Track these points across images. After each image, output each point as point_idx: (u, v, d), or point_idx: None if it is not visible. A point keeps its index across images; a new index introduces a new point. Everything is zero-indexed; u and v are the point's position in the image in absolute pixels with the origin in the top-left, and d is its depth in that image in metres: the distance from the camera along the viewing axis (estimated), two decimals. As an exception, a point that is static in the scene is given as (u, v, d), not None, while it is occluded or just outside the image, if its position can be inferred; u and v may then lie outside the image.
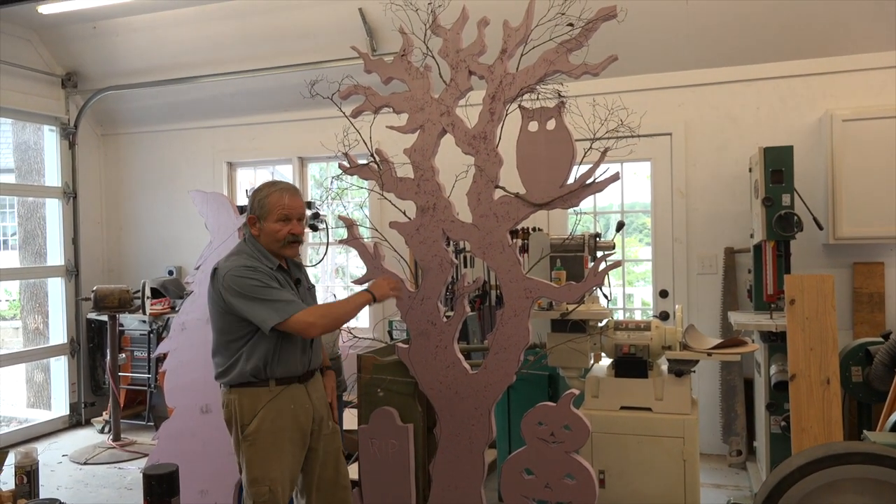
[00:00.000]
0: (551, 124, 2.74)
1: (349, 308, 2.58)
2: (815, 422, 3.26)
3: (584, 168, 2.72)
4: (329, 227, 5.27)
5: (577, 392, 2.85)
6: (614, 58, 2.57)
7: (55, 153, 6.15)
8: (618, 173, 2.69)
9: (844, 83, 4.49)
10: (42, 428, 5.83)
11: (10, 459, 2.36)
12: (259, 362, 2.52)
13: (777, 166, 3.98)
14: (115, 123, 6.54)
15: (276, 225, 2.58)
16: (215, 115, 6.09)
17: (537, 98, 2.78)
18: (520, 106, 2.80)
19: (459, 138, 2.85)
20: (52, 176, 6.16)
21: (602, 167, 2.69)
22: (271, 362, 2.53)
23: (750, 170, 4.44)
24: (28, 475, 2.31)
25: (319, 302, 2.87)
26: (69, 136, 6.17)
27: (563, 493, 2.78)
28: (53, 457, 5.14)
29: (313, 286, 2.90)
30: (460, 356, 2.93)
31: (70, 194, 6.17)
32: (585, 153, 2.79)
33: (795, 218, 3.91)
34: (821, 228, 4.17)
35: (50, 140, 6.18)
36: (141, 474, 2.39)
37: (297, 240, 2.62)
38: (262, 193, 2.64)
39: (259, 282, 2.51)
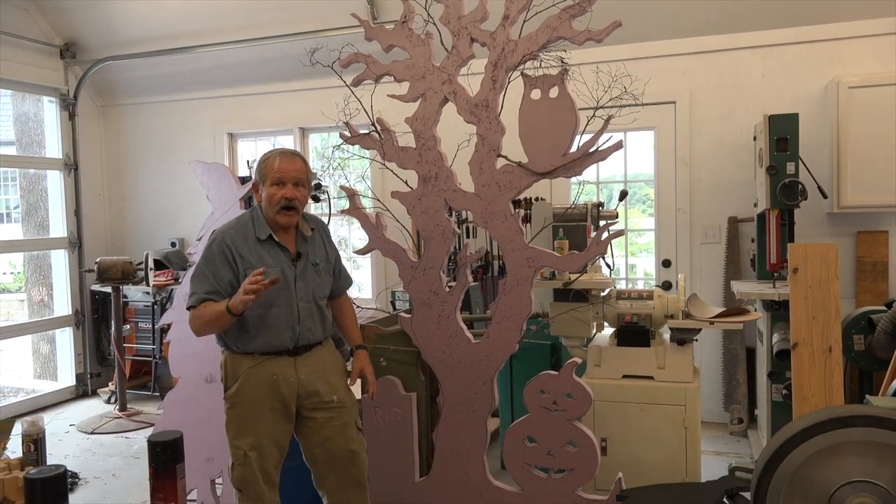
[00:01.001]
0: (554, 92, 2.72)
1: (208, 316, 2.42)
2: (816, 390, 3.27)
3: (587, 137, 2.71)
4: (331, 197, 5.26)
5: (579, 361, 2.87)
6: (618, 24, 2.54)
7: (55, 124, 6.12)
8: (621, 141, 2.67)
9: (851, 49, 4.43)
10: (49, 398, 5.88)
11: (17, 429, 2.38)
12: (233, 330, 2.49)
13: (782, 134, 3.94)
14: (114, 94, 6.49)
15: (271, 189, 2.50)
16: (215, 86, 6.04)
17: (540, 65, 2.76)
18: (522, 73, 2.77)
19: (461, 107, 2.83)
20: (53, 148, 6.14)
21: (605, 136, 2.67)
22: (244, 334, 2.50)
23: (755, 138, 4.41)
24: (35, 443, 2.34)
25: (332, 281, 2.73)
26: (69, 107, 6.13)
27: (565, 460, 2.81)
28: (61, 426, 5.20)
29: (332, 262, 2.71)
30: (463, 326, 2.94)
31: (71, 166, 6.15)
32: (588, 121, 2.77)
33: (800, 186, 3.88)
34: (825, 197, 4.14)
35: (50, 111, 6.14)
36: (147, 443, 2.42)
37: (290, 205, 2.50)
38: (261, 159, 2.59)
39: (205, 258, 2.49)
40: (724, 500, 2.75)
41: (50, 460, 3.06)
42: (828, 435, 2.37)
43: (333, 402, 2.62)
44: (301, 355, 2.57)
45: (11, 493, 2.06)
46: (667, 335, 3.43)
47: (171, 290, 5.59)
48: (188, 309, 2.50)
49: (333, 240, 2.79)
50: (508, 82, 2.79)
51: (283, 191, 2.48)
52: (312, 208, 5.48)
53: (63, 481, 1.19)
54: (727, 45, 4.67)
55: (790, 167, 3.92)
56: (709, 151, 4.78)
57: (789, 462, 2.40)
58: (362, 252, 3.08)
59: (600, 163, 2.82)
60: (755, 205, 4.39)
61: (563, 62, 2.73)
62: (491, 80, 2.78)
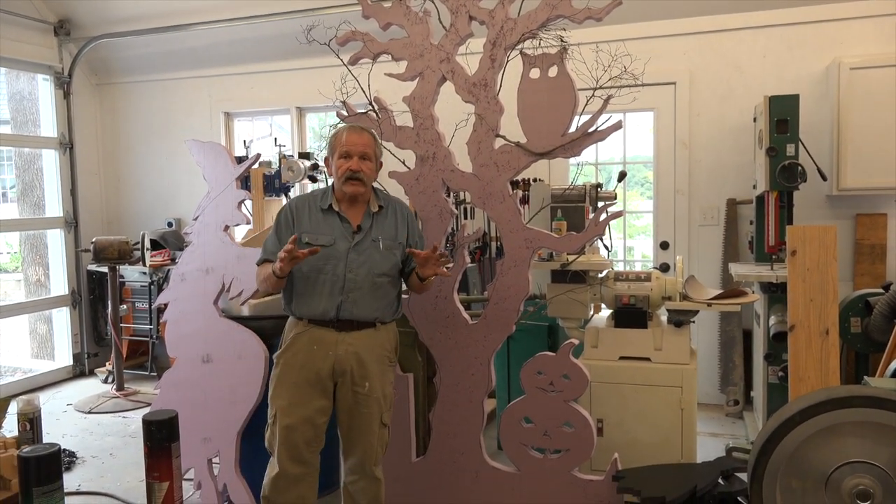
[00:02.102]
0: (553, 71, 2.69)
1: (262, 275, 2.59)
2: (812, 372, 3.28)
3: (586, 117, 2.68)
4: (328, 177, 5.23)
5: (576, 342, 2.87)
6: (618, 2, 2.51)
7: (50, 103, 6.06)
8: (620, 122, 2.65)
9: (853, 30, 4.39)
10: (46, 378, 5.88)
11: (13, 408, 2.38)
12: (289, 292, 2.61)
13: (782, 116, 3.92)
14: (109, 72, 6.43)
15: (339, 162, 2.58)
16: (212, 64, 5.98)
17: (539, 44, 2.73)
18: (521, 52, 2.74)
19: (459, 86, 2.81)
20: (48, 126, 6.08)
21: (604, 116, 2.65)
22: (295, 298, 2.59)
23: (755, 119, 4.38)
24: (31, 422, 2.33)
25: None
26: (63, 85, 6.07)
27: (562, 440, 2.82)
28: (58, 406, 5.20)
29: (402, 244, 2.65)
30: (460, 307, 2.94)
31: (66, 145, 6.10)
32: (587, 101, 2.74)
33: (799, 168, 3.87)
34: (825, 179, 4.12)
35: (44, 89, 6.08)
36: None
37: (354, 176, 2.55)
38: (331, 134, 2.66)
39: (274, 224, 2.65)
40: (720, 480, 2.76)
41: (47, 439, 3.06)
42: (826, 416, 2.37)
43: (365, 388, 2.58)
44: (347, 331, 2.56)
45: (7, 471, 2.07)
46: (664, 317, 3.42)
47: (168, 270, 5.56)
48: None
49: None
50: (507, 61, 2.76)
51: (349, 163, 2.56)
52: (309, 188, 5.45)
53: (57, 460, 1.18)
54: (728, 25, 4.63)
55: (790, 149, 3.90)
56: (708, 133, 4.76)
57: (787, 443, 2.40)
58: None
59: (599, 144, 2.79)
60: (754, 187, 4.37)
61: (562, 41, 2.70)
62: (489, 59, 2.75)
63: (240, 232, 4.68)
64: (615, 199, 3.71)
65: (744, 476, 2.77)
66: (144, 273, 5.71)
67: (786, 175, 3.87)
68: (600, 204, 3.60)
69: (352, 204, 2.61)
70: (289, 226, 2.60)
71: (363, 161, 2.57)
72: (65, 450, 4.16)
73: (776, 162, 3.90)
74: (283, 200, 5.19)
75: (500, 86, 2.77)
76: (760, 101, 4.09)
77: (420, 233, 2.79)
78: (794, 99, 3.94)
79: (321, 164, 5.20)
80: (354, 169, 2.55)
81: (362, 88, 3.00)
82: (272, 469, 2.58)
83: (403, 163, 2.99)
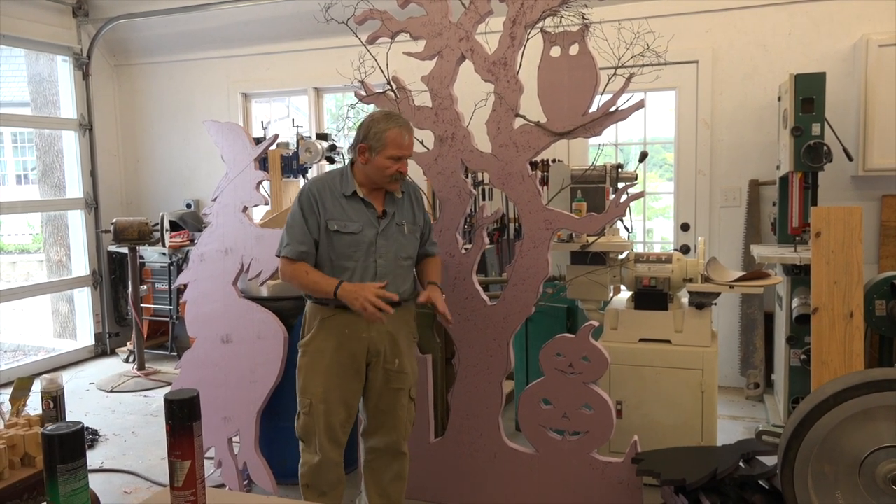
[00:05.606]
0: (574, 49, 2.65)
1: (312, 286, 2.51)
2: (835, 355, 3.24)
3: (607, 96, 2.64)
4: (346, 158, 5.22)
5: (596, 324, 2.85)
6: (642, -23, 2.45)
7: (69, 84, 6.08)
8: (643, 100, 2.61)
9: (882, 6, 4.27)
10: (68, 357, 5.96)
11: (37, 386, 2.41)
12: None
13: (808, 94, 3.84)
14: (128, 53, 6.44)
15: (387, 161, 2.49)
16: (230, 45, 5.96)
17: (560, 22, 2.69)
18: (542, 30, 2.70)
19: (479, 65, 2.77)
20: (68, 108, 6.11)
21: (625, 95, 2.61)
22: None
23: (779, 98, 4.30)
24: (54, 401, 2.35)
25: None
26: (82, 66, 6.09)
27: (581, 422, 2.81)
28: (81, 385, 5.27)
29: (420, 226, 2.68)
30: (479, 288, 2.93)
31: (86, 126, 6.13)
32: (609, 80, 2.70)
33: (825, 148, 3.79)
34: (850, 159, 4.04)
35: (64, 71, 6.10)
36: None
37: (403, 178, 2.57)
38: (381, 126, 2.48)
39: (296, 209, 2.56)
40: (741, 463, 2.74)
41: (70, 417, 3.11)
42: (861, 399, 2.31)
43: (395, 365, 2.61)
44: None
45: (31, 448, 2.10)
46: (685, 299, 3.39)
47: (187, 250, 5.60)
48: (278, 256, 2.56)
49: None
50: (527, 39, 2.72)
51: (400, 165, 2.51)
52: (326, 168, 5.44)
53: (80, 437, 1.19)
54: (752, 1, 4.53)
55: (815, 128, 3.82)
56: (731, 112, 4.68)
57: (820, 426, 2.34)
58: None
59: (620, 124, 2.75)
60: (778, 167, 4.30)
61: (583, 18, 2.66)
62: (509, 37, 2.71)
63: (258, 213, 4.68)
64: (636, 179, 3.67)
65: (765, 459, 2.75)
66: (164, 254, 5.75)
67: (811, 155, 3.80)
68: (620, 185, 3.56)
69: (373, 188, 2.59)
70: (313, 211, 2.52)
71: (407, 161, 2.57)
72: (88, 428, 4.22)
73: (801, 142, 3.82)
74: (301, 181, 5.20)
75: (520, 64, 2.73)
76: (785, 80, 4.01)
77: (427, 215, 2.75)
78: (821, 77, 3.86)
79: (339, 145, 5.19)
80: (405, 172, 2.54)
81: (380, 68, 2.97)
82: (312, 457, 2.57)
83: (422, 143, 2.97)
